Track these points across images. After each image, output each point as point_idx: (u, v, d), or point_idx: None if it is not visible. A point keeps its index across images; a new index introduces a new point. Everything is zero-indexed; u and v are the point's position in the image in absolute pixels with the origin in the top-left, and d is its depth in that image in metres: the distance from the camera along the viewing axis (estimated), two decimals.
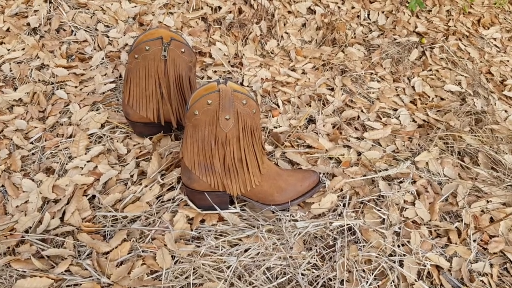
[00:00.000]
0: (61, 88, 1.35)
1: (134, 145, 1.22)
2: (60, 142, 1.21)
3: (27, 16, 1.53)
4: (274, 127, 1.33)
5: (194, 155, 0.99)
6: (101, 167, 1.15)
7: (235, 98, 0.96)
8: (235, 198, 1.10)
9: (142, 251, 0.98)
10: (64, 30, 1.52)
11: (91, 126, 1.25)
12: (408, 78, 1.63)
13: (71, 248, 0.98)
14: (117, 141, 1.22)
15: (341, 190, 1.16)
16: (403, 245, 1.06)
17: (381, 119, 1.44)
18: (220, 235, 1.02)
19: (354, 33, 1.78)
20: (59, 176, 1.13)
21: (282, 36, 1.70)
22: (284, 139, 1.28)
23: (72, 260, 0.95)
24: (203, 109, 0.95)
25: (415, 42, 1.77)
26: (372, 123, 1.40)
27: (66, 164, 1.16)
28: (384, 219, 1.11)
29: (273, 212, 1.08)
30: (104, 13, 1.60)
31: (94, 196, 1.10)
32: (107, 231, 1.02)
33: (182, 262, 0.96)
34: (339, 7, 1.83)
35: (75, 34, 1.52)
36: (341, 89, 1.52)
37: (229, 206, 1.08)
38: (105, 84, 1.37)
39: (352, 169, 1.23)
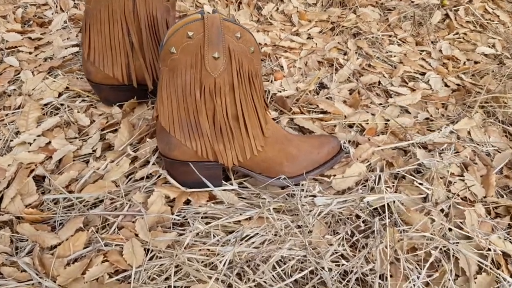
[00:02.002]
0: (11, 55, 1.09)
1: (100, 115, 0.96)
2: (6, 116, 0.94)
3: None
4: (278, 91, 1.06)
5: (174, 111, 0.73)
6: (55, 142, 0.88)
7: (226, 29, 0.70)
8: (231, 172, 0.83)
9: (105, 245, 0.71)
10: None
11: (46, 95, 0.98)
12: (432, 42, 1.38)
13: (6, 243, 0.71)
14: (78, 111, 0.96)
15: (368, 161, 0.89)
16: (455, 227, 0.79)
17: (407, 83, 1.18)
18: (212, 219, 0.75)
19: None
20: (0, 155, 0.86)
21: (281, 0, 1.46)
22: (291, 104, 1.02)
23: (5, 259, 0.68)
24: (182, 44, 0.69)
25: (435, 4, 1.52)
26: (397, 88, 1.14)
27: (11, 140, 0.89)
28: (427, 195, 0.84)
29: (283, 188, 0.81)
30: None
31: (45, 178, 0.83)
32: (58, 220, 0.75)
33: (160, 258, 0.69)
34: None
35: None
36: (356, 52, 1.26)
37: (224, 182, 0.82)
38: (66, 48, 1.11)
39: (380, 137, 0.96)
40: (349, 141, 0.93)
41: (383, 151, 0.94)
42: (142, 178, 0.82)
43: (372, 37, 1.33)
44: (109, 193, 0.78)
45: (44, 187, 0.82)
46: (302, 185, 0.81)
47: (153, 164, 0.83)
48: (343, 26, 1.35)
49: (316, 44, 1.29)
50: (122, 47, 0.88)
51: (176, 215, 0.75)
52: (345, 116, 1.00)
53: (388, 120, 1.02)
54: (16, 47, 1.11)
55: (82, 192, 0.78)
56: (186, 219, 0.74)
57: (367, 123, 1.00)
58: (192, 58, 0.70)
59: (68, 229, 0.71)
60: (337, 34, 1.34)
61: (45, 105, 0.97)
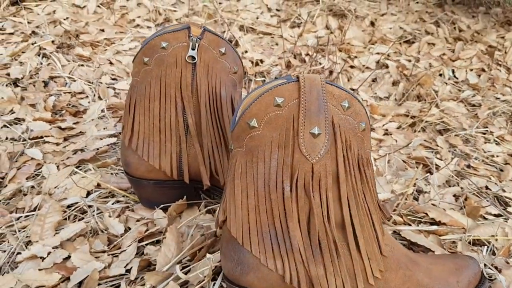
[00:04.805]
0: (35, 146, 0.90)
1: (138, 221, 0.72)
2: (17, 220, 0.72)
3: (9, 67, 1.14)
4: None
5: (250, 212, 0.49)
6: (76, 258, 0.64)
7: (329, 95, 0.49)
8: None
9: None
10: (55, 82, 1.12)
11: (71, 194, 0.77)
12: None
13: None
14: (110, 216, 0.73)
15: None
16: None
17: None
18: None
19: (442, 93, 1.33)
20: (0, 274, 0.62)
21: None
22: (392, 211, 0.76)
23: None
24: (267, 115, 0.48)
25: None
26: None
27: (19, 253, 0.66)
28: None
29: None
30: (112, 65, 1.21)
31: None
32: None
33: None
34: (414, 65, 1.41)
35: (69, 86, 1.10)
36: (449, 151, 1.03)
37: None
38: (100, 139, 0.91)
39: None
40: (484, 265, 0.66)
41: None
42: None
43: (465, 134, 1.10)
44: None
45: None
46: None
47: None
48: (426, 121, 1.14)
49: (396, 140, 1.07)
50: (174, 130, 0.67)
51: None
52: (465, 230, 0.74)
53: None
54: (42, 137, 0.92)
55: None
56: None
57: (496, 239, 0.73)
58: (281, 135, 0.48)
59: None
60: (419, 130, 1.12)
61: (69, 206, 0.75)
